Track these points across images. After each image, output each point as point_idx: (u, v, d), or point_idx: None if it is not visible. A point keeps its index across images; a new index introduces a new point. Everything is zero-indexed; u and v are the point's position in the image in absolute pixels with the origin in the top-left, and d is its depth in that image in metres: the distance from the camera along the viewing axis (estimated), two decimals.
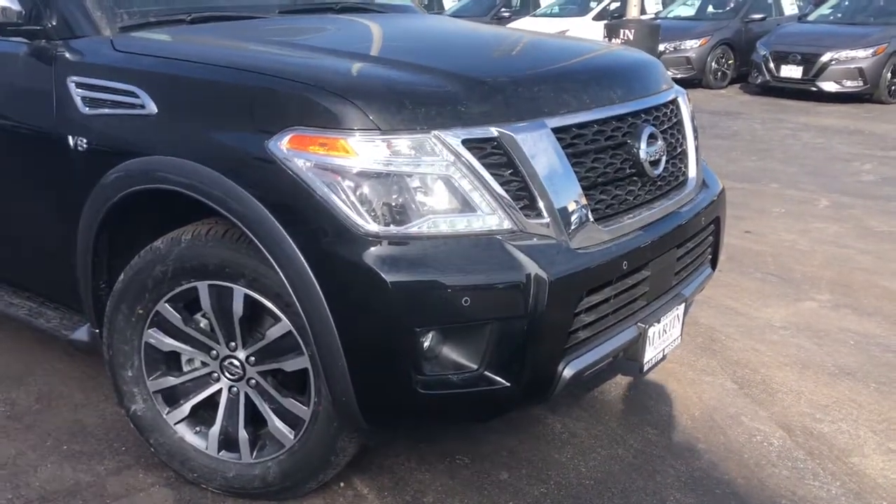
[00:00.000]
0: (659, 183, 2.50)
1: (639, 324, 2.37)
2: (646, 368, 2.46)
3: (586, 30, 14.07)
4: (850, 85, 10.67)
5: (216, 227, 2.23)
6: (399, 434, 2.72)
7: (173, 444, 2.45)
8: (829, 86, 10.74)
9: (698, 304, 3.69)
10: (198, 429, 2.45)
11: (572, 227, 2.13)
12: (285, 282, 2.02)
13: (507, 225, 2.04)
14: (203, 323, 2.36)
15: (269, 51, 2.44)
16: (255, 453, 2.38)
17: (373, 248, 1.95)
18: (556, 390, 2.14)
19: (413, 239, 1.97)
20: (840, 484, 2.53)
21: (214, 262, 2.21)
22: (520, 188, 2.07)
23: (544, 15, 15.90)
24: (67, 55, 2.47)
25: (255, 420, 2.37)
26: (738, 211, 5.30)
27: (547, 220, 2.09)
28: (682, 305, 2.59)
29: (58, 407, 2.97)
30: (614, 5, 14.87)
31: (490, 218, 2.03)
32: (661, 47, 11.25)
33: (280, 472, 2.35)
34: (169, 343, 2.38)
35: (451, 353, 2.02)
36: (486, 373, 2.03)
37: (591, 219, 2.19)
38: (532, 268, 1.99)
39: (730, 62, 12.64)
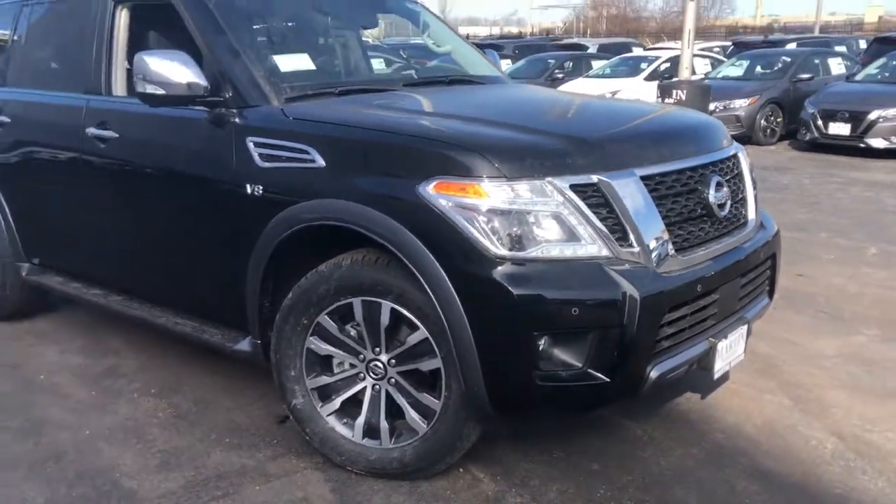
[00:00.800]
0: (724, 223, 3.03)
1: (710, 338, 2.88)
2: (716, 377, 2.95)
3: (638, 90, 14.69)
4: None
5: (368, 254, 2.81)
6: (507, 432, 3.22)
7: (325, 432, 3.00)
8: (877, 142, 11.11)
9: (757, 335, 4.12)
10: (345, 420, 2.99)
11: (657, 256, 2.66)
12: (431, 295, 2.58)
13: (605, 253, 2.58)
14: (353, 332, 2.92)
15: (409, 116, 3.07)
16: (393, 440, 2.91)
17: (501, 268, 2.50)
18: (645, 388, 2.65)
19: (531, 262, 2.52)
20: (886, 479, 2.95)
21: (368, 282, 2.78)
22: (615, 224, 2.61)
23: (596, 76, 16.57)
24: (245, 120, 3.11)
25: (394, 412, 2.91)
26: (790, 257, 5.72)
27: (637, 249, 2.62)
28: (745, 327, 3.08)
29: (212, 410, 3.54)
30: (664, 66, 15.49)
31: (591, 247, 2.57)
32: (712, 106, 11.77)
33: (415, 456, 2.87)
34: (326, 348, 2.94)
35: (561, 353, 2.54)
36: (589, 370, 2.55)
37: (672, 250, 2.72)
38: (626, 287, 2.52)
39: (778, 120, 13.11)
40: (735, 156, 3.26)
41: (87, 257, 4.09)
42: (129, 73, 3.74)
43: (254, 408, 3.54)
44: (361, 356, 2.91)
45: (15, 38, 4.40)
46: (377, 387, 2.92)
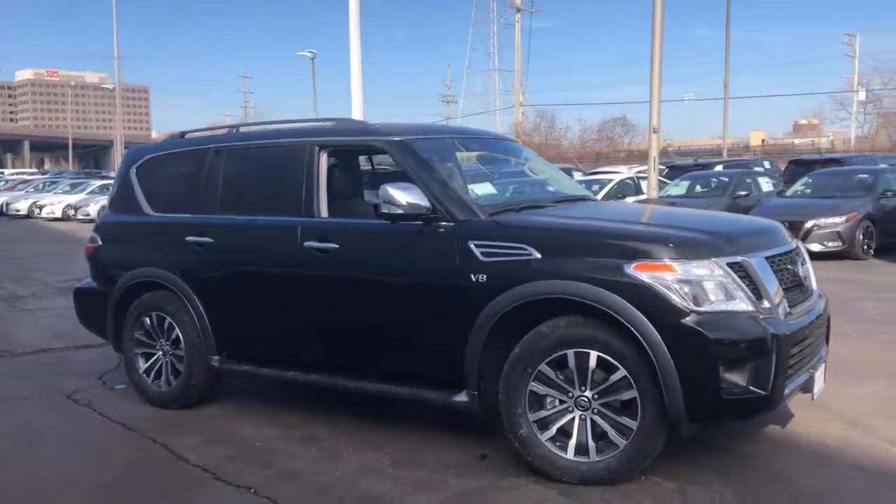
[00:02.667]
0: (806, 290, 4.36)
1: (809, 370, 4.14)
2: (815, 397, 4.20)
3: None
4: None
5: (578, 318, 3.99)
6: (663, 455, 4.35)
7: (545, 454, 4.07)
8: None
9: None
10: (559, 443, 4.07)
11: (781, 311, 3.95)
12: (642, 341, 3.76)
13: (751, 308, 3.84)
14: (562, 376, 4.05)
15: (594, 221, 4.35)
16: (599, 455, 4.00)
17: (691, 318, 3.73)
18: (784, 399, 3.87)
19: (709, 314, 3.76)
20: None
21: (580, 337, 3.95)
22: (753, 289, 3.90)
23: None
24: (464, 229, 4.30)
25: (596, 433, 4.01)
26: None
27: (769, 306, 3.91)
28: (824, 364, 4.37)
29: (423, 456, 4.52)
30: (615, 187, 17.40)
31: (742, 304, 3.84)
32: None
33: (617, 465, 3.96)
34: (545, 390, 4.06)
35: (734, 376, 3.75)
36: (751, 387, 3.75)
37: (787, 306, 4.02)
38: (770, 329, 3.78)
39: None
40: (799, 246, 4.64)
41: (290, 346, 5.08)
42: (332, 199, 4.93)
43: (454, 451, 4.56)
44: (570, 394, 4.04)
45: (206, 175, 5.49)
46: (583, 416, 4.03)
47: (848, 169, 16.15)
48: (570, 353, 3.99)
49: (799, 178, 17.25)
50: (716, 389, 3.72)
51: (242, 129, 5.81)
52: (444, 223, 4.38)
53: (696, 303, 3.77)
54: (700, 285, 3.80)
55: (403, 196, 4.34)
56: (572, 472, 4.04)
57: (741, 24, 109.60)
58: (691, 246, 3.91)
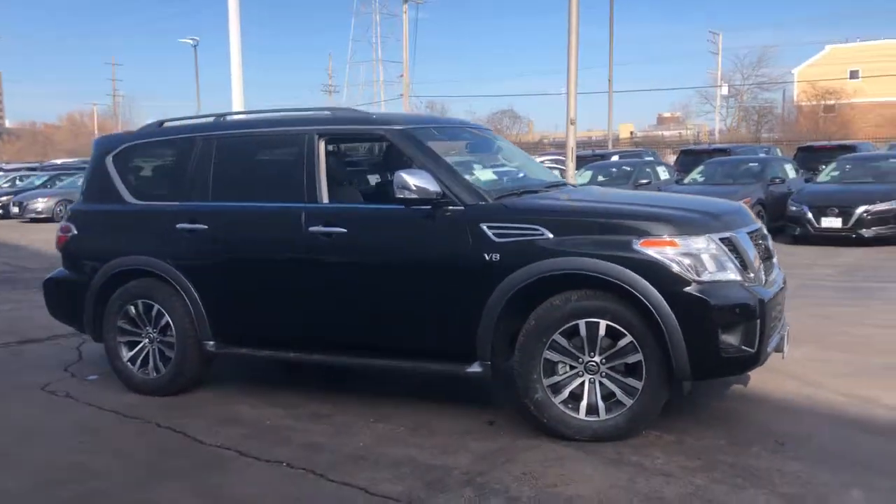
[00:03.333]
0: (772, 262, 4.94)
1: (780, 332, 4.72)
2: (784, 356, 4.79)
3: None
4: None
5: (587, 290, 4.39)
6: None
7: (559, 415, 4.45)
8: None
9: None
10: (570, 405, 4.47)
11: (761, 279, 4.49)
12: (653, 310, 4.19)
13: (739, 278, 4.36)
14: (573, 343, 4.45)
15: (598, 203, 4.79)
16: (608, 414, 4.43)
17: (693, 287, 4.20)
18: (766, 357, 4.41)
19: (707, 283, 4.25)
20: None
21: (591, 308, 4.36)
22: (740, 261, 4.41)
23: None
24: (474, 213, 4.62)
25: (604, 394, 4.43)
26: None
27: (752, 275, 4.44)
28: (787, 327, 4.96)
29: (436, 425, 4.82)
30: None
31: (733, 274, 4.34)
32: None
33: (625, 422, 4.40)
34: (557, 357, 4.45)
35: (728, 336, 4.25)
36: (742, 346, 4.27)
37: (764, 275, 4.57)
38: (756, 295, 4.31)
39: None
40: (762, 225, 5.22)
41: (292, 327, 5.24)
42: (329, 185, 5.14)
43: (461, 420, 4.89)
44: (580, 360, 4.45)
45: (195, 163, 5.56)
46: (592, 379, 4.45)
47: (737, 158, 17.42)
48: (582, 322, 4.39)
49: (690, 167, 18.48)
50: (715, 350, 4.21)
51: (230, 118, 5.89)
52: (452, 207, 4.68)
53: (697, 274, 4.25)
54: (699, 258, 4.28)
55: (418, 181, 4.62)
56: (584, 430, 4.45)
57: (615, 21, 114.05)
58: (689, 224, 4.38)
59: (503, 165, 5.91)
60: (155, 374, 5.66)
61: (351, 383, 5.87)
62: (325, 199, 5.15)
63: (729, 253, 4.37)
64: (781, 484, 3.84)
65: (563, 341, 4.44)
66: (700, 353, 4.24)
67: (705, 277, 4.26)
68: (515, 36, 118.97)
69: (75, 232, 6.00)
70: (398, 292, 4.88)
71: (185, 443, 4.76)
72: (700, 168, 16.19)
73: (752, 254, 4.54)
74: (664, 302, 4.21)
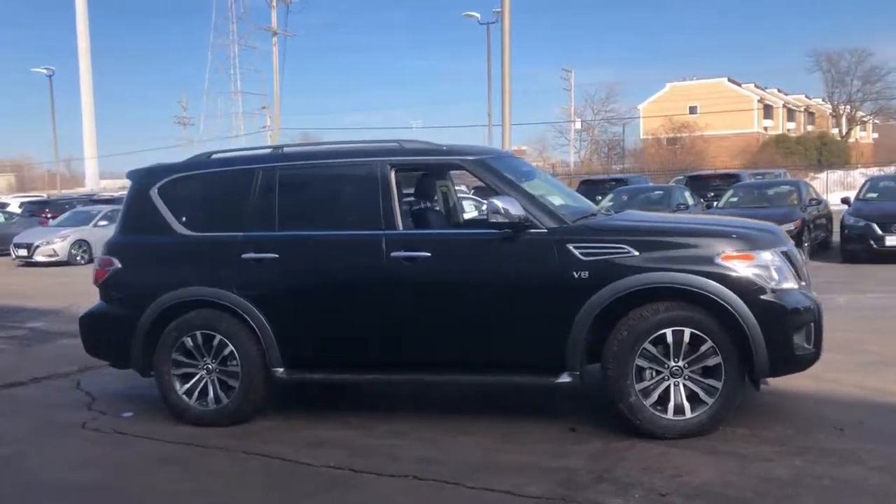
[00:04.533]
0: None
1: None
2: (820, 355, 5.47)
3: None
4: None
5: (673, 302, 4.89)
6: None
7: (650, 416, 4.90)
8: None
9: None
10: (659, 406, 4.93)
11: (810, 287, 5.16)
12: (738, 317, 4.74)
13: (797, 285, 5.00)
14: (659, 351, 4.92)
15: (674, 224, 5.35)
16: (692, 413, 4.92)
17: (770, 294, 4.80)
18: (821, 354, 5.05)
19: (779, 291, 4.85)
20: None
21: (678, 318, 4.86)
22: (796, 271, 5.06)
23: None
24: (560, 235, 5.04)
25: (689, 395, 4.93)
26: None
27: (804, 283, 5.10)
28: None
29: (526, 434, 5.15)
30: None
31: (793, 283, 4.98)
32: None
33: (707, 419, 4.90)
34: (646, 364, 4.91)
35: (799, 337, 4.86)
36: (805, 345, 4.90)
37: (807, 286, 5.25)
38: (813, 299, 4.97)
39: None
40: None
41: (372, 350, 5.42)
42: (403, 212, 5.43)
43: (543, 428, 5.24)
44: (666, 365, 4.93)
45: (257, 194, 5.67)
46: (676, 382, 4.94)
47: (645, 186, 18.70)
48: (669, 331, 4.88)
49: (590, 196, 19.58)
50: (790, 349, 4.82)
51: (291, 150, 6.02)
52: (535, 230, 5.08)
53: (769, 283, 4.84)
54: (769, 269, 4.88)
55: (508, 206, 4.99)
56: (672, 428, 4.91)
57: (460, 57, 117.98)
58: (759, 240, 5.00)
59: (553, 191, 6.34)
60: (215, 405, 5.65)
61: (390, 403, 6.07)
62: (401, 227, 5.40)
63: (789, 264, 5.01)
64: (870, 460, 4.45)
65: (652, 349, 4.91)
66: (777, 352, 4.81)
67: (775, 286, 4.86)
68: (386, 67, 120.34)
69: (118, 266, 5.91)
70: (487, 311, 5.19)
71: (291, 467, 4.84)
72: (610, 196, 17.26)
73: (802, 265, 5.21)
74: (747, 309, 4.76)
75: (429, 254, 5.26)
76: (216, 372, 5.67)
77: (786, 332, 4.81)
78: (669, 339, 4.89)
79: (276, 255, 5.53)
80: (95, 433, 5.69)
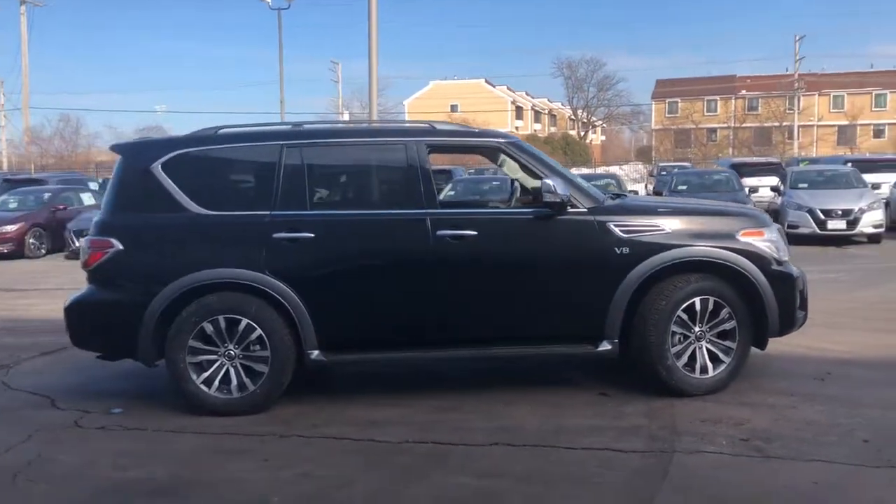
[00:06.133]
0: None
1: None
2: None
3: None
4: None
5: (700, 273, 5.49)
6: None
7: (682, 377, 5.45)
8: None
9: None
10: (688, 367, 5.51)
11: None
12: (756, 285, 5.44)
13: (788, 257, 5.83)
14: (685, 317, 5.50)
15: (699, 204, 5.89)
16: (714, 371, 5.55)
17: (782, 266, 5.57)
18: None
19: (784, 262, 5.64)
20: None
21: (706, 287, 5.47)
22: (784, 247, 5.90)
23: None
24: (600, 213, 5.46)
25: (710, 356, 5.56)
26: None
27: (788, 257, 5.95)
28: None
29: (570, 406, 5.50)
30: None
31: (788, 255, 5.79)
32: None
33: (726, 376, 5.56)
34: (679, 330, 5.46)
35: (798, 302, 5.67)
36: (799, 309, 5.73)
37: None
38: (801, 270, 5.82)
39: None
40: None
41: (414, 328, 5.47)
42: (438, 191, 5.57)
43: (575, 396, 5.62)
44: (692, 330, 5.52)
45: (282, 171, 5.47)
46: (700, 345, 5.55)
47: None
48: (698, 300, 5.47)
49: None
50: (793, 313, 5.62)
51: (312, 127, 5.82)
52: (576, 209, 5.45)
53: (777, 255, 5.61)
54: (774, 244, 5.65)
55: (559, 187, 5.32)
56: (700, 386, 5.52)
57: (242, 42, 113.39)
58: (765, 218, 5.77)
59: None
60: (239, 393, 5.39)
61: (410, 381, 6.14)
62: (440, 206, 5.52)
63: (784, 241, 5.82)
64: (868, 400, 5.37)
65: (684, 316, 5.47)
66: (783, 316, 5.59)
67: (780, 258, 5.64)
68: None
69: (120, 247, 5.40)
70: (533, 287, 5.47)
71: (372, 446, 4.80)
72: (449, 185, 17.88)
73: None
74: (764, 278, 5.48)
75: (475, 232, 5.42)
76: (238, 358, 5.40)
77: (791, 298, 5.60)
78: (697, 306, 5.48)
79: (312, 235, 5.38)
80: (104, 431, 5.20)
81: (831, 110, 71.78)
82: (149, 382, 6.14)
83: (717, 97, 73.10)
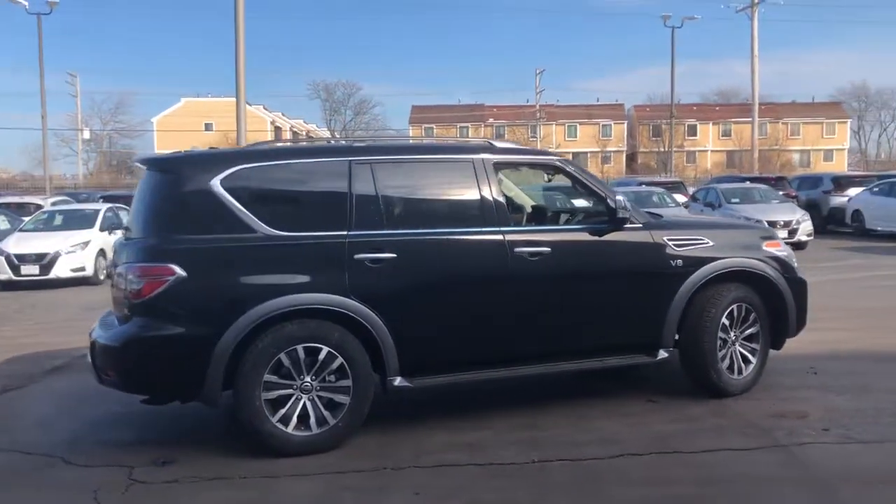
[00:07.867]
0: None
1: None
2: None
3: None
4: None
5: (735, 283, 5.98)
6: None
7: (727, 379, 5.88)
8: None
9: None
10: (728, 370, 5.94)
11: None
12: (781, 292, 6.02)
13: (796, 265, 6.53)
14: (727, 323, 5.95)
15: (723, 220, 6.30)
16: (746, 373, 6.04)
17: (793, 272, 6.22)
18: None
19: (797, 269, 6.30)
20: None
21: (741, 295, 5.97)
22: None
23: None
24: (654, 229, 5.78)
25: (742, 359, 6.06)
26: None
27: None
28: None
29: (609, 411, 5.71)
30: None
31: (795, 262, 6.49)
32: None
33: (753, 377, 6.07)
34: (722, 335, 5.89)
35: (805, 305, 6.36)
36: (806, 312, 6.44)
37: None
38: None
39: None
40: None
41: (500, 346, 5.41)
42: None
43: (622, 406, 5.84)
44: (730, 335, 5.99)
45: (354, 189, 5.17)
46: (733, 349, 6.03)
47: None
48: (735, 307, 5.95)
49: None
50: (805, 314, 6.28)
51: (378, 144, 5.49)
52: (634, 224, 5.73)
53: (793, 263, 6.26)
54: (790, 253, 6.31)
55: (628, 204, 5.56)
56: (737, 387, 5.99)
57: None
58: (775, 231, 6.38)
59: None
60: (318, 429, 4.98)
61: (452, 398, 6.01)
62: (511, 223, 5.55)
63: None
64: (877, 385, 6.15)
65: (726, 322, 5.93)
66: (800, 318, 6.24)
67: (794, 265, 6.29)
68: None
69: (183, 274, 4.77)
70: (602, 299, 5.63)
71: (503, 469, 4.68)
72: None
73: None
74: (786, 284, 6.09)
75: (549, 249, 5.48)
76: (315, 390, 4.99)
77: (804, 301, 6.27)
78: (735, 313, 5.96)
79: (394, 256, 5.13)
80: (174, 485, 4.55)
81: (566, 139, 79.03)
82: (153, 422, 5.46)
83: (469, 124, 77.38)
